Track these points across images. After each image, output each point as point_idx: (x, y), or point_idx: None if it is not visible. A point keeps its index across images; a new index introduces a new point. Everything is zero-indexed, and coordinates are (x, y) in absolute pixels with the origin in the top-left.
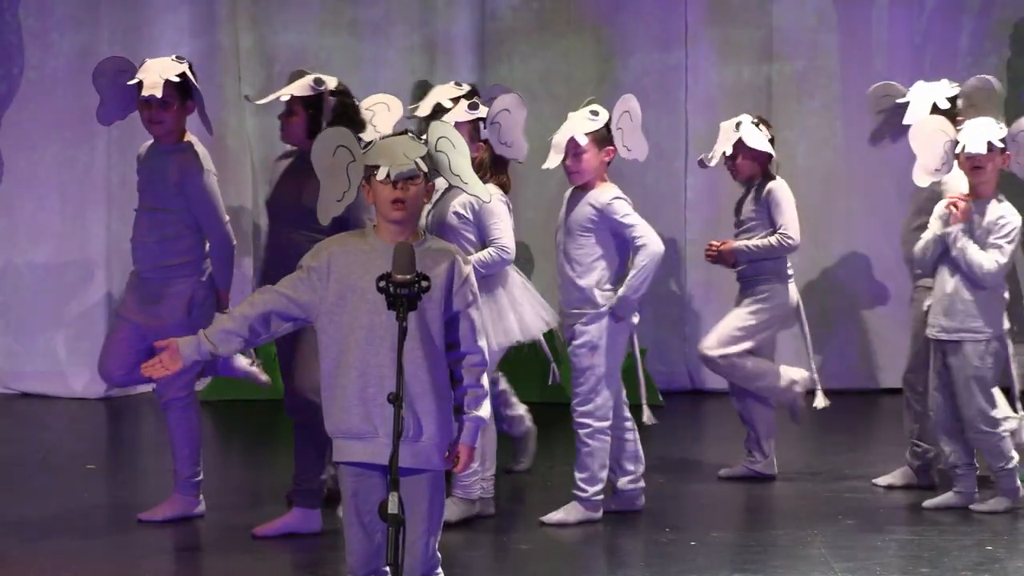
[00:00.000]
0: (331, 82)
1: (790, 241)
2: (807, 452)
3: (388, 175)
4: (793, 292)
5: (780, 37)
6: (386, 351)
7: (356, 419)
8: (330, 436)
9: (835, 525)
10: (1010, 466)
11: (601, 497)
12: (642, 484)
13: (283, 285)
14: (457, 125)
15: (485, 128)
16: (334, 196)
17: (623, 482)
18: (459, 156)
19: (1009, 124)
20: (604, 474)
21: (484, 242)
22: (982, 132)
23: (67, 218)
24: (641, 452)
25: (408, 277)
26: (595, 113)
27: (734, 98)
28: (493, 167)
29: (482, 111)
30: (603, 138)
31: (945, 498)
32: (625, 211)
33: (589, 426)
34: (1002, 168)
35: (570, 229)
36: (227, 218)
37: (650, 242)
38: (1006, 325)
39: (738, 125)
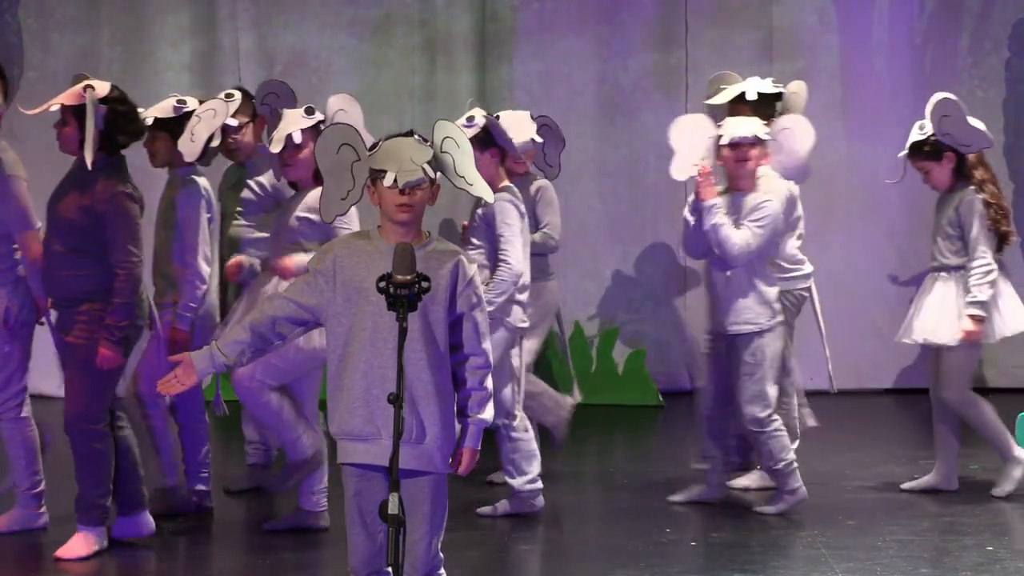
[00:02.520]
0: (102, 88)
1: (553, 242)
2: (807, 452)
3: (395, 181)
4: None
5: (780, 37)
6: (390, 353)
7: (359, 420)
8: (333, 437)
9: (835, 525)
10: (779, 467)
11: (536, 486)
12: (539, 484)
13: (290, 291)
14: (303, 133)
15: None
16: (338, 195)
17: (520, 483)
18: (464, 156)
19: (1008, 124)
20: (532, 465)
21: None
22: (746, 125)
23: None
24: (538, 452)
25: (408, 277)
26: (310, 111)
27: None
28: None
29: (320, 115)
30: (484, 141)
31: (692, 491)
32: (507, 219)
33: (496, 426)
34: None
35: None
36: (39, 224)
37: (514, 263)
38: (777, 319)
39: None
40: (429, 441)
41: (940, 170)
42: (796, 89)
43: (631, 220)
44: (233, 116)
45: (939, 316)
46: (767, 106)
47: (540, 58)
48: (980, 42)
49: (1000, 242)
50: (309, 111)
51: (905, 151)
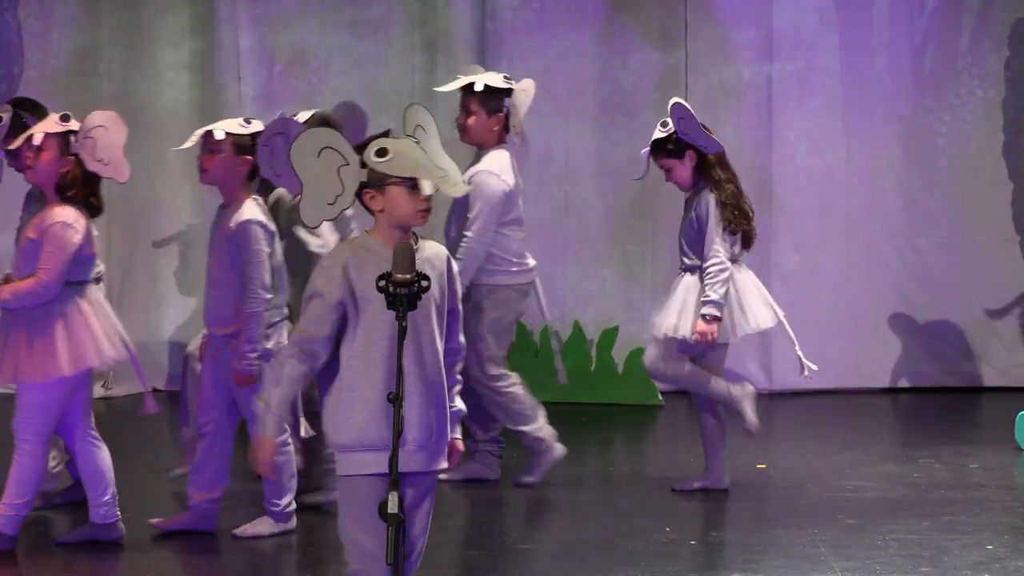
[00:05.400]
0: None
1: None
2: (807, 452)
3: (428, 189)
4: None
5: (780, 37)
6: (410, 358)
7: (385, 430)
8: (348, 450)
9: (835, 525)
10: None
11: (292, 508)
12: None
13: (309, 329)
14: (46, 138)
15: (76, 141)
16: (325, 199)
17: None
18: (433, 141)
19: (1008, 123)
20: (293, 483)
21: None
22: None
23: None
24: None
25: (408, 277)
26: (248, 121)
27: (734, 98)
28: (85, 185)
29: (73, 124)
30: (243, 146)
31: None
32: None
33: None
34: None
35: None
36: None
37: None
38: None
39: None
40: (439, 440)
41: (682, 168)
42: (524, 87)
43: (631, 219)
44: None
45: (681, 313)
46: (493, 100)
47: (540, 57)
48: (980, 41)
49: (745, 241)
50: (64, 118)
51: (648, 148)
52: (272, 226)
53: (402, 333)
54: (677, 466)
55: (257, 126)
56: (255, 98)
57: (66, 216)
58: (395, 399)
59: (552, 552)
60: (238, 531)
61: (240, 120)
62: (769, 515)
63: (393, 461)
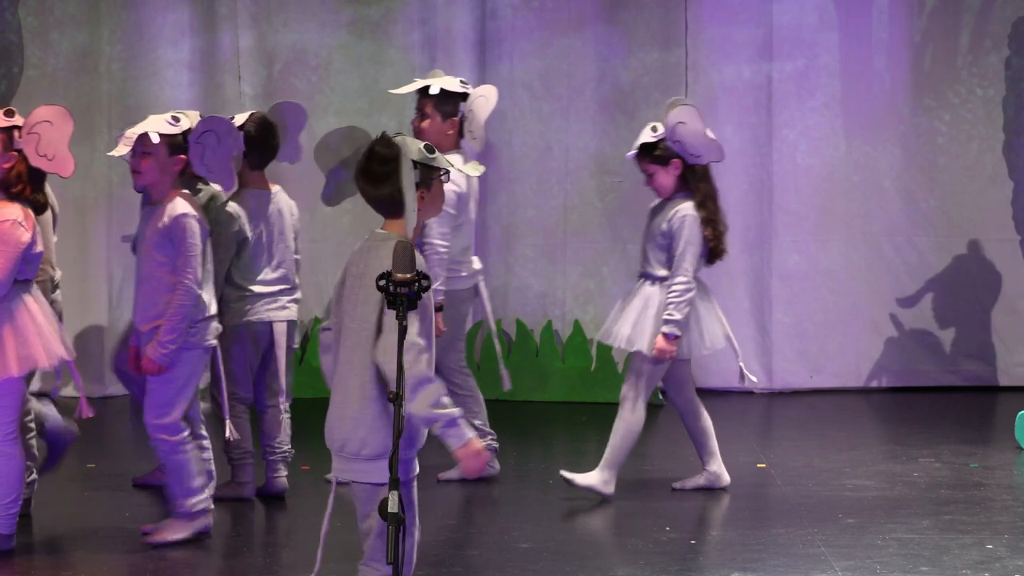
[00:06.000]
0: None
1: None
2: (807, 451)
3: (475, 172)
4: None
5: (780, 36)
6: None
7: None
8: (385, 457)
9: (835, 524)
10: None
11: (203, 506)
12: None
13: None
14: None
15: (20, 137)
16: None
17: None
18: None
19: (1008, 122)
20: (201, 482)
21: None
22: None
23: (67, 217)
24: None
25: (408, 276)
26: (175, 119)
27: (734, 97)
28: (31, 181)
29: (18, 119)
30: (177, 145)
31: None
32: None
33: (166, 441)
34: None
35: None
36: None
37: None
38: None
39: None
40: None
41: (665, 175)
42: (484, 93)
43: (631, 219)
44: None
45: (638, 325)
46: (448, 103)
47: (540, 56)
48: (980, 40)
49: (711, 256)
50: (8, 113)
51: (633, 151)
52: (206, 223)
53: (402, 333)
54: (677, 466)
55: (185, 124)
56: (255, 97)
57: (14, 214)
58: (395, 399)
59: (552, 552)
60: (150, 538)
61: (167, 117)
62: (769, 514)
63: (393, 461)
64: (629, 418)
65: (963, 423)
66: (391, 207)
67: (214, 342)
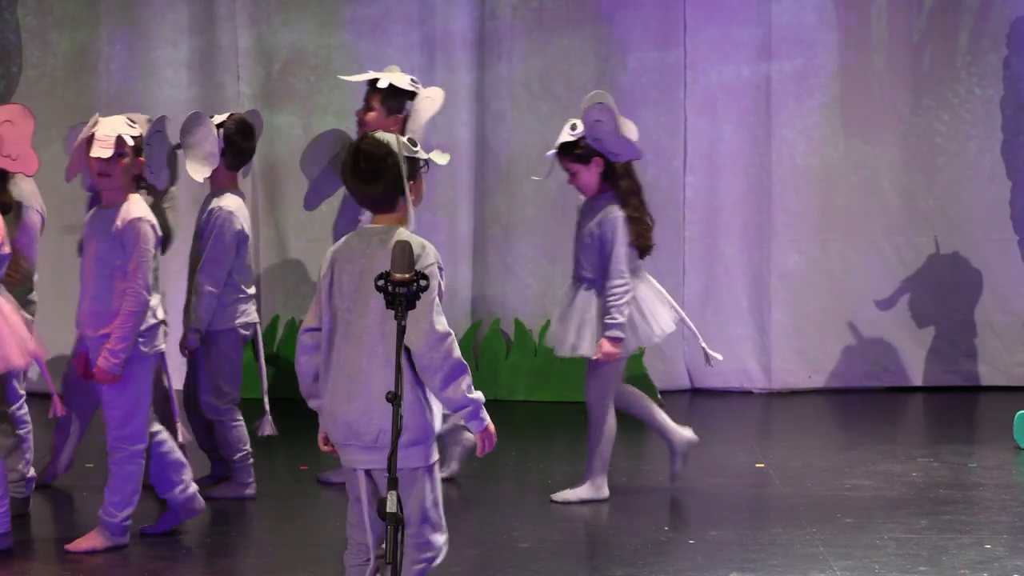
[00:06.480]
0: None
1: None
2: (806, 451)
3: (443, 161)
4: None
5: (780, 36)
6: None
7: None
8: (424, 442)
9: (834, 524)
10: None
11: (129, 523)
12: (194, 488)
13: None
14: None
15: None
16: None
17: (176, 493)
18: None
19: (1006, 122)
20: (136, 499)
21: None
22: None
23: (67, 216)
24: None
25: (407, 276)
26: (132, 121)
27: (733, 97)
28: None
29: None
30: (139, 148)
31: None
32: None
33: (125, 449)
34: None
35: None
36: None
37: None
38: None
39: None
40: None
41: (588, 174)
42: (431, 95)
43: None
44: None
45: (580, 330)
46: (395, 100)
47: (539, 56)
48: (979, 40)
49: (641, 252)
50: None
51: (554, 150)
52: (159, 228)
53: (401, 333)
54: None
55: (140, 125)
56: (254, 97)
57: None
58: (394, 398)
59: (552, 552)
60: (71, 545)
61: (125, 119)
62: (768, 514)
63: (392, 460)
64: (602, 424)
65: (962, 423)
66: (383, 202)
67: (163, 347)
